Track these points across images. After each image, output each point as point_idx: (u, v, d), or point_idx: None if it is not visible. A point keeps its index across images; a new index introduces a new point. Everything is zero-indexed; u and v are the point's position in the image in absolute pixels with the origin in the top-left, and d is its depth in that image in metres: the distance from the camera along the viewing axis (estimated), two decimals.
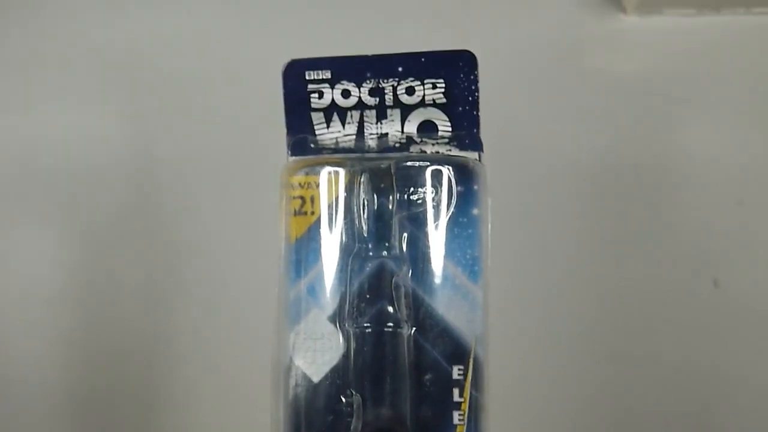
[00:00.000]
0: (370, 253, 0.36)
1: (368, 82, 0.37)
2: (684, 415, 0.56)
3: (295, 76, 0.37)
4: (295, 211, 0.36)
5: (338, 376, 0.35)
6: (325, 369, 0.36)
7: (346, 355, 0.35)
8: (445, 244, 0.36)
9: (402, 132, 0.37)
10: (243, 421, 0.55)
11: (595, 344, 0.57)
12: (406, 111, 0.37)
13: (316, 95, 0.37)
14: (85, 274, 0.61)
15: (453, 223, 0.36)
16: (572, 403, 0.57)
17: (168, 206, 0.61)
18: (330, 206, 0.36)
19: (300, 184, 0.36)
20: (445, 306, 0.36)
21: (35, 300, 0.61)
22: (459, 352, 0.35)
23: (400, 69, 0.37)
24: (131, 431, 0.60)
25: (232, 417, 0.57)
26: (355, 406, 0.35)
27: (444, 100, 0.37)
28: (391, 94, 0.37)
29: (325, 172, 0.36)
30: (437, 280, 0.36)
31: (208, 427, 0.59)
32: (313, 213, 0.36)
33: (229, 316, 0.59)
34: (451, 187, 0.36)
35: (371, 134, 0.37)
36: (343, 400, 0.35)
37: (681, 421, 0.57)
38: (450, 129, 0.37)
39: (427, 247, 0.36)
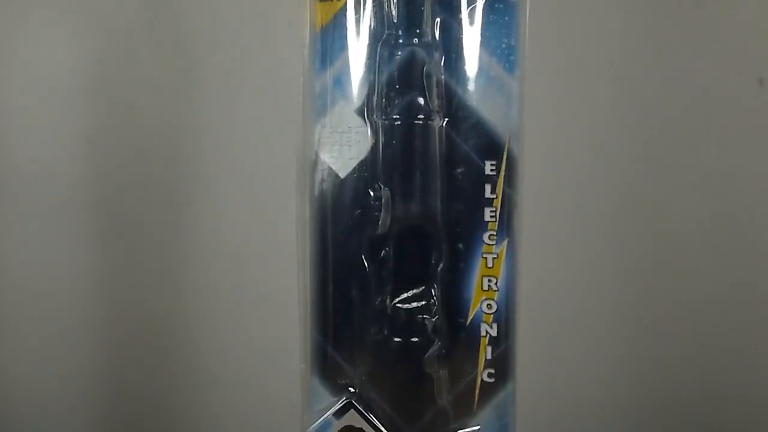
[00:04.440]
0: (400, 40, 0.34)
1: None
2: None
3: None
4: None
5: (366, 170, 0.34)
6: (352, 163, 0.34)
7: (374, 149, 0.34)
8: (480, 32, 0.34)
9: None
10: (267, 221, 0.54)
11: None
12: None
13: None
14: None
15: (489, 8, 0.34)
16: (605, 204, 0.55)
17: None
18: None
19: None
20: (479, 97, 0.34)
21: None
22: (492, 147, 0.34)
23: None
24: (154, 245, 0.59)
25: (254, 216, 0.56)
26: (383, 201, 0.34)
27: None
28: None
29: None
30: (471, 70, 0.34)
31: (231, 226, 0.57)
32: None
33: (250, 110, 0.56)
34: None
35: None
36: (371, 194, 0.34)
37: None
38: None
39: (461, 34, 0.34)
